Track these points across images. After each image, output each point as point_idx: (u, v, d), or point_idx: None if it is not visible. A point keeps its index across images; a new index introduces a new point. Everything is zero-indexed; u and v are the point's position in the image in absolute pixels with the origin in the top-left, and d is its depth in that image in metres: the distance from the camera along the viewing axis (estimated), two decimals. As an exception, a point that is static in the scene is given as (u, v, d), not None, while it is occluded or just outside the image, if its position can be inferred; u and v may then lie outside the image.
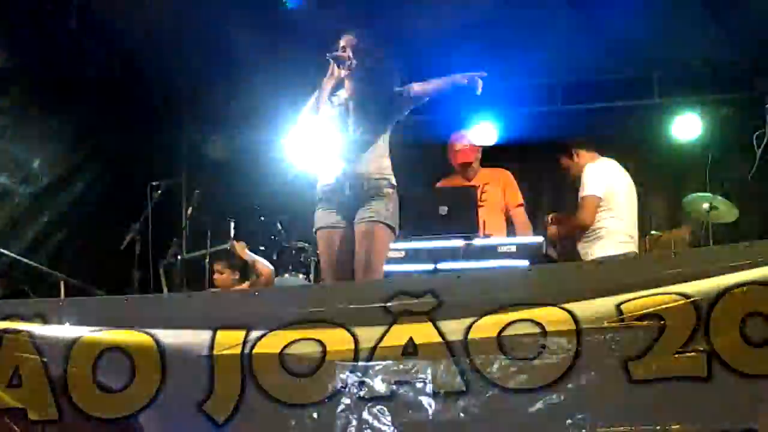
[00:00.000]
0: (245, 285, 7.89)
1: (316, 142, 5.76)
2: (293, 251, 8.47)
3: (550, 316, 4.00)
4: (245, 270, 8.17)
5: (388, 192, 5.56)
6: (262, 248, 8.46)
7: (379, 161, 5.59)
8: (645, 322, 3.88)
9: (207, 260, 8.27)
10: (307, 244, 8.37)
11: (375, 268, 5.51)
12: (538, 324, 4.00)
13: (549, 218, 7.15)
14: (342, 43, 5.69)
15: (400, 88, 5.68)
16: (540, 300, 4.06)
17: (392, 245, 5.95)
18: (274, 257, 8.44)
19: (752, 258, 3.95)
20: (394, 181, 5.62)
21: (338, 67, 5.64)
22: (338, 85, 5.69)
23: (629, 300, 3.94)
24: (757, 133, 6.40)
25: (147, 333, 4.36)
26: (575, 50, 8.59)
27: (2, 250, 6.96)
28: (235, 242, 8.08)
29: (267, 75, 8.95)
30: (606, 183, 6.86)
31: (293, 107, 9.13)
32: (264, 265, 8.04)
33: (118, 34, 8.77)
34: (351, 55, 5.63)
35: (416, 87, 5.67)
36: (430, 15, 7.98)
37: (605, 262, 5.17)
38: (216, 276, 7.82)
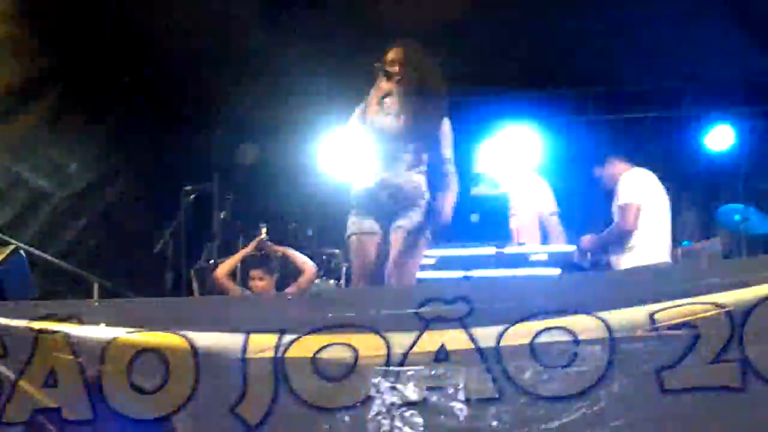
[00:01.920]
0: (291, 288, 7.81)
1: (358, 150, 5.77)
2: (324, 257, 8.47)
3: (583, 324, 4.02)
4: (285, 272, 8.11)
5: (422, 203, 5.61)
6: (293, 254, 8.48)
7: (417, 175, 5.64)
8: (678, 332, 3.89)
9: (238, 265, 8.30)
10: (337, 251, 8.37)
11: (409, 274, 5.55)
12: (571, 332, 4.02)
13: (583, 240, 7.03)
14: (391, 56, 5.71)
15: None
16: (573, 308, 4.07)
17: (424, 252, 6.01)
18: (305, 263, 8.44)
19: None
20: (428, 196, 5.66)
21: (386, 79, 5.67)
22: (385, 96, 5.70)
23: (663, 309, 3.94)
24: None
25: (181, 335, 4.40)
26: (608, 60, 8.59)
27: (39, 252, 7.03)
28: (268, 243, 7.97)
29: (299, 81, 9.01)
30: (642, 192, 6.83)
31: (325, 114, 9.30)
32: (305, 260, 7.93)
33: (152, 41, 8.85)
34: (399, 68, 5.66)
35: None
36: (463, 26, 8.00)
37: (638, 271, 5.17)
38: (256, 283, 7.70)
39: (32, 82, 7.32)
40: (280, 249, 7.84)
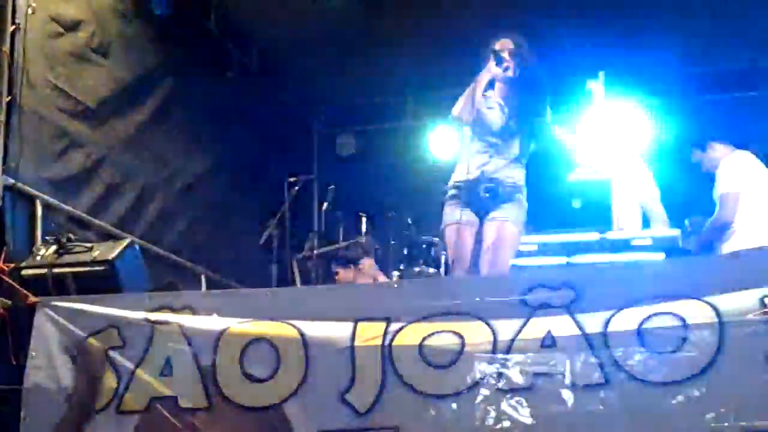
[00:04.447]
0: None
1: (461, 141, 5.81)
2: (423, 246, 8.52)
3: (692, 309, 4.00)
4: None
5: (519, 197, 5.65)
6: (392, 242, 8.56)
7: (516, 170, 5.68)
8: (790, 315, 3.84)
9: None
10: (436, 239, 8.41)
11: (501, 265, 5.58)
12: (679, 317, 4.00)
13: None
14: (497, 46, 5.72)
15: None
16: (681, 293, 4.06)
17: (525, 238, 6.06)
18: (405, 252, 8.52)
19: None
20: (525, 191, 5.69)
21: (496, 64, 5.68)
22: (492, 82, 5.72)
23: (773, 293, 3.89)
24: None
25: (291, 325, 4.50)
26: (712, 39, 8.45)
27: (150, 245, 7.23)
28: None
29: (397, 72, 9.08)
30: (742, 177, 6.72)
31: (423, 104, 9.36)
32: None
33: (253, 35, 9.02)
34: (507, 57, 5.67)
35: None
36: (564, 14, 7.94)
37: (747, 255, 5.08)
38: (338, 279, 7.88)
39: (142, 78, 7.51)
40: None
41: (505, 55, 5.67)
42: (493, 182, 5.61)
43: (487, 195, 5.60)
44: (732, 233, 6.65)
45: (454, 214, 5.68)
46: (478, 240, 5.68)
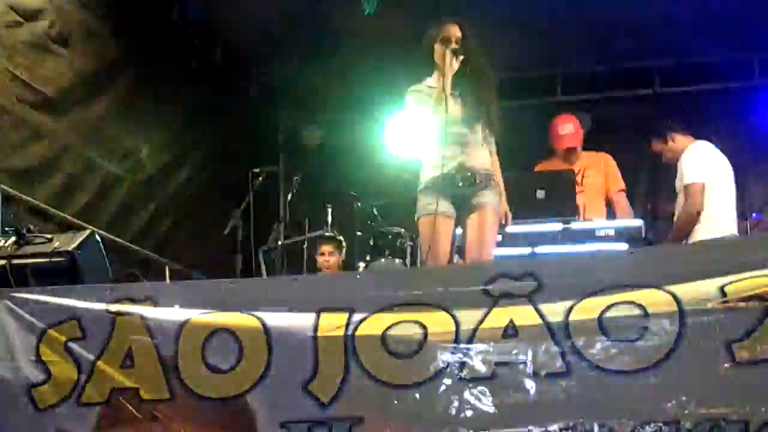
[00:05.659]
0: None
1: (427, 132, 5.80)
2: (389, 236, 8.51)
3: (652, 298, 4.00)
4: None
5: (494, 183, 5.66)
6: (358, 233, 8.55)
7: (486, 156, 5.72)
8: (749, 304, 3.86)
9: (305, 245, 8.43)
10: (402, 230, 8.41)
11: (486, 250, 5.60)
12: (640, 306, 4.01)
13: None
14: (447, 34, 5.73)
15: None
16: (642, 282, 4.06)
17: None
18: (371, 242, 8.51)
19: None
20: (497, 176, 5.73)
21: (454, 57, 5.68)
22: (456, 75, 5.71)
23: (733, 282, 3.92)
24: None
25: (254, 315, 4.47)
26: (672, 32, 8.50)
27: (112, 236, 7.18)
28: None
29: (363, 62, 9.06)
30: (707, 167, 6.76)
31: (388, 94, 9.32)
32: None
33: (217, 25, 8.97)
34: (458, 46, 5.68)
35: None
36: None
37: (708, 244, 5.12)
38: (326, 258, 7.85)
39: (104, 69, 7.46)
40: None
41: (455, 44, 5.68)
42: (470, 171, 5.63)
43: (465, 184, 5.61)
44: (695, 223, 6.68)
45: (429, 205, 5.66)
46: (454, 232, 5.69)
